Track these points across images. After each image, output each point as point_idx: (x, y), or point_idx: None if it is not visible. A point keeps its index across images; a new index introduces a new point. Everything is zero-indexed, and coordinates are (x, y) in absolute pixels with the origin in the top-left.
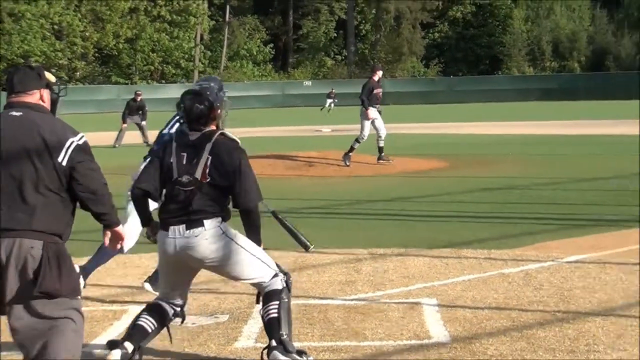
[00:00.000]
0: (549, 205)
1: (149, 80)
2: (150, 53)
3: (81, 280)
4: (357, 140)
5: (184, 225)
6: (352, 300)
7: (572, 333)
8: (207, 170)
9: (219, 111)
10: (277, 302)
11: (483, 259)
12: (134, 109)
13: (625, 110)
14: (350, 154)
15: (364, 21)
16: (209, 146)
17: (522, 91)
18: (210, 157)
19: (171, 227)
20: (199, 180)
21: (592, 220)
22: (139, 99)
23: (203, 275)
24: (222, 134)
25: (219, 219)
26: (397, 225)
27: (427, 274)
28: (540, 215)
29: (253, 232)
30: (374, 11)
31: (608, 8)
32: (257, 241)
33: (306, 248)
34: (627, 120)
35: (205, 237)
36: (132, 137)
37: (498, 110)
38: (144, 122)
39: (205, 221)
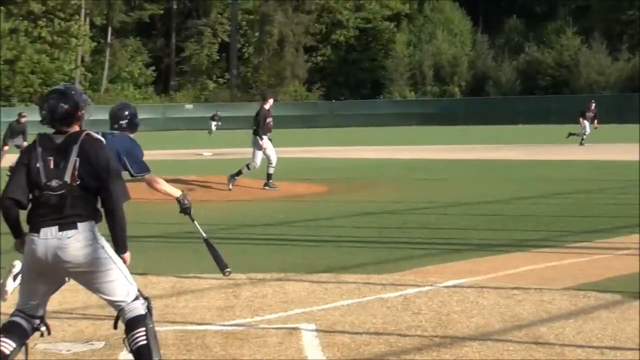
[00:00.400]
0: (428, 230)
1: (28, 103)
2: (30, 75)
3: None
4: (247, 166)
5: (56, 227)
6: (230, 325)
7: (449, 358)
8: (77, 173)
9: (82, 112)
10: (144, 329)
11: (362, 284)
12: (17, 131)
13: (505, 135)
14: (237, 177)
15: (247, 44)
16: (76, 148)
17: (403, 115)
18: (78, 159)
19: (42, 229)
20: (69, 184)
21: (470, 245)
22: (23, 120)
23: (80, 300)
24: (88, 134)
25: (92, 222)
26: (276, 250)
27: (306, 299)
28: (419, 240)
29: (118, 233)
30: (257, 34)
31: (489, 33)
32: (123, 244)
33: (223, 270)
34: (506, 145)
35: (77, 240)
36: (11, 160)
37: (379, 135)
38: (25, 143)
39: (78, 224)
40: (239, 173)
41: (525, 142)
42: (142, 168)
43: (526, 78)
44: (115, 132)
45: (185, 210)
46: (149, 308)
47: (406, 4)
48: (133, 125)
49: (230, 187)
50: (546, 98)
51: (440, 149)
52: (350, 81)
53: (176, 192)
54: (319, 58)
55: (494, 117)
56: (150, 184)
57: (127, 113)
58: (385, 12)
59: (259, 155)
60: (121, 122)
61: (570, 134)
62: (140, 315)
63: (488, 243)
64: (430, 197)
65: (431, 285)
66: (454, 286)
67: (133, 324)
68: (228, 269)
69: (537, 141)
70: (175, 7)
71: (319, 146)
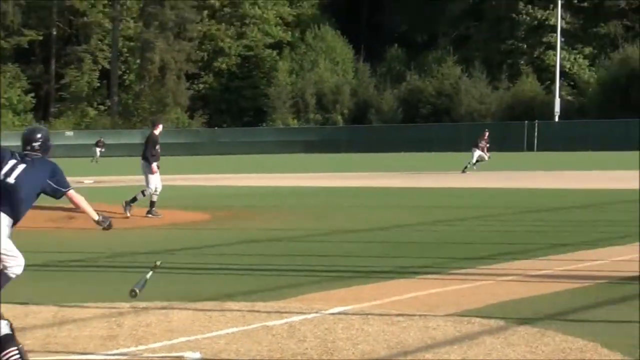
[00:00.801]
0: (312, 257)
1: None
2: None
3: None
4: (142, 193)
5: None
6: (113, 355)
7: None
8: None
9: None
10: (16, 348)
11: (247, 312)
12: None
13: (388, 163)
14: (132, 204)
15: (128, 71)
16: None
17: (286, 143)
18: None
19: None
20: None
21: (355, 272)
22: None
23: None
24: None
25: None
26: (160, 277)
27: (190, 328)
28: (304, 267)
29: None
30: (138, 61)
31: (371, 62)
32: None
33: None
34: (388, 172)
35: None
36: None
37: (262, 162)
38: None
39: None
40: (134, 200)
41: (408, 169)
42: (68, 183)
43: (408, 106)
44: (32, 154)
45: (109, 226)
46: (12, 329)
47: (288, 32)
48: (46, 148)
49: (128, 214)
50: (428, 126)
51: (323, 177)
52: (233, 109)
53: (95, 214)
54: (201, 85)
55: (376, 145)
56: (72, 200)
57: (39, 136)
58: (268, 40)
59: (153, 179)
60: (34, 144)
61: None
62: (9, 334)
63: (372, 270)
64: (314, 224)
65: (316, 312)
66: (339, 313)
67: (3, 343)
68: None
69: (420, 169)
70: (54, 33)
71: (201, 174)
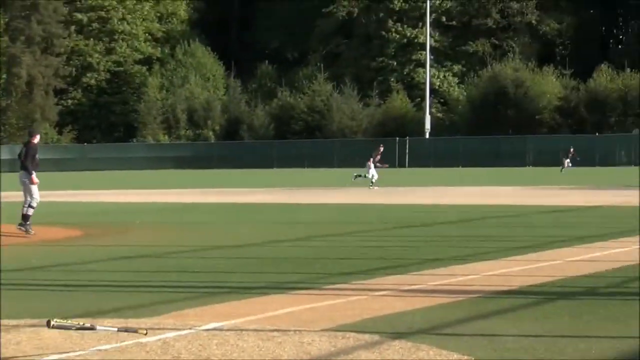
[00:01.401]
0: (186, 273)
1: None
2: None
3: None
4: (29, 207)
5: None
6: None
7: None
8: None
9: None
10: None
11: None
12: None
13: (260, 179)
14: (27, 222)
15: None
16: None
17: (157, 159)
18: None
19: None
20: None
21: (229, 288)
22: None
23: None
24: None
25: None
26: (30, 295)
27: (62, 345)
28: (178, 283)
29: None
30: (4, 76)
31: (242, 78)
32: None
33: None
34: (261, 188)
35: None
36: None
37: (133, 178)
38: None
39: None
40: (25, 217)
41: (281, 185)
42: None
43: (279, 122)
44: None
45: None
46: None
47: (158, 48)
48: None
49: (32, 231)
50: (299, 142)
51: (195, 193)
52: (103, 124)
53: None
54: (70, 101)
55: (248, 161)
56: None
57: None
58: (137, 56)
59: (35, 188)
60: None
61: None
62: None
63: (246, 286)
64: (187, 240)
65: (190, 328)
66: (214, 329)
67: None
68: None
69: (292, 184)
70: None
71: (71, 190)
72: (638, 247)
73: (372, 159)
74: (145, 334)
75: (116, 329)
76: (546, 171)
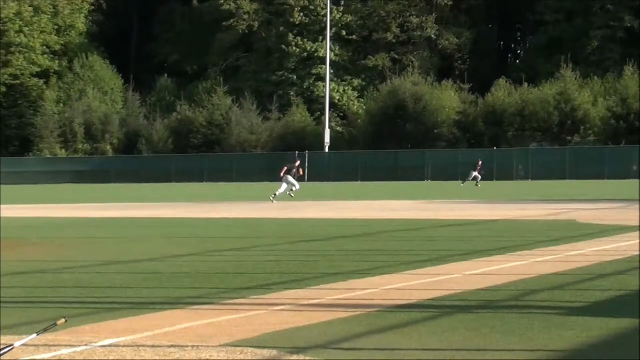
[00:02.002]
0: (82, 289)
1: None
2: None
3: None
4: None
5: None
6: None
7: None
8: None
9: None
10: None
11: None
12: None
13: (159, 193)
14: None
15: None
16: None
17: (54, 173)
18: None
19: None
20: None
21: (126, 304)
22: None
23: None
24: None
25: None
26: None
27: None
28: (72, 299)
29: None
30: None
31: (140, 92)
32: None
33: None
34: (160, 202)
35: None
36: None
37: (30, 193)
38: None
39: None
40: None
41: (179, 199)
42: None
43: (179, 136)
44: None
45: None
46: None
47: (55, 61)
48: None
49: None
50: (198, 156)
51: (93, 207)
52: None
53: None
54: None
55: (147, 176)
56: None
57: None
58: (34, 69)
59: None
60: None
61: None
62: None
63: (144, 301)
64: (84, 255)
65: (86, 345)
66: (110, 345)
67: None
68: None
69: (191, 199)
70: None
71: None
72: (535, 260)
73: (289, 171)
74: (65, 321)
75: (35, 335)
76: (445, 185)
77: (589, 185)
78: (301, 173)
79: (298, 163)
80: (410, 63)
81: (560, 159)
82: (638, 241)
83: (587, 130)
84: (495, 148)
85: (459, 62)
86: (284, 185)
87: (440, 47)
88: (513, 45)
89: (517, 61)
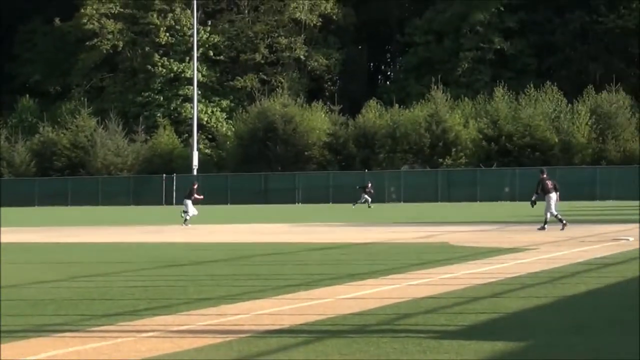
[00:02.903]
0: None
1: None
2: None
3: None
4: None
5: None
6: None
7: None
8: None
9: None
10: None
11: None
12: None
13: (22, 217)
14: None
15: None
16: None
17: None
18: None
19: None
20: None
21: None
22: None
23: None
24: None
25: None
26: None
27: None
28: None
29: None
30: None
31: (0, 113)
32: None
33: None
34: (21, 227)
35: None
36: None
37: None
38: None
39: None
40: None
41: (43, 224)
42: None
43: (41, 159)
44: None
45: None
46: None
47: None
48: None
49: None
50: (62, 179)
51: None
52: None
53: None
54: None
55: (8, 199)
56: None
57: None
58: None
59: None
60: None
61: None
62: None
63: (6, 329)
64: None
65: None
66: None
67: None
68: None
69: (55, 223)
70: None
71: None
72: (408, 283)
73: (190, 196)
74: None
75: None
76: (316, 208)
77: (461, 208)
78: (200, 197)
79: (196, 185)
80: (279, 84)
81: (432, 181)
82: (544, 257)
83: (458, 152)
84: (366, 170)
85: (329, 83)
86: (191, 207)
87: (310, 68)
88: (383, 67)
89: (388, 82)
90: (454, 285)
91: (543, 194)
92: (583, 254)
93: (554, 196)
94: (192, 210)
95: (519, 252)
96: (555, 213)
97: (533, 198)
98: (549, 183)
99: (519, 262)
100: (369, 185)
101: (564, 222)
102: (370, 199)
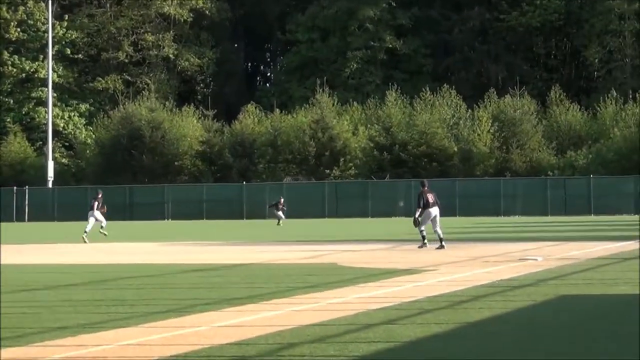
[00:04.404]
0: None
1: None
2: None
3: None
4: None
5: None
6: None
7: None
8: None
9: None
10: None
11: None
12: None
13: None
14: None
15: None
16: None
17: None
18: None
19: None
20: None
21: None
22: None
23: None
24: None
25: None
26: None
27: None
28: None
29: None
30: None
31: None
32: None
33: None
34: None
35: None
36: None
37: None
38: None
39: None
40: None
41: None
42: None
43: None
44: None
45: None
46: None
47: None
48: None
49: None
50: None
51: None
52: None
53: None
54: None
55: None
56: None
57: None
58: None
59: None
60: None
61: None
62: None
63: None
64: None
65: None
66: None
67: None
68: None
69: None
70: None
71: None
72: (293, 309)
73: (94, 207)
74: None
75: None
76: (188, 225)
77: (351, 224)
78: (104, 209)
79: (100, 195)
80: (145, 86)
81: (319, 195)
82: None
83: (347, 163)
84: (244, 183)
85: (202, 85)
86: (92, 221)
87: (180, 68)
88: (262, 67)
89: (268, 84)
90: (344, 311)
91: (424, 209)
92: (487, 276)
93: (433, 211)
94: (92, 222)
95: (416, 273)
96: (422, 229)
97: (416, 215)
98: (431, 197)
99: (416, 284)
100: (282, 200)
101: (425, 242)
102: (283, 216)
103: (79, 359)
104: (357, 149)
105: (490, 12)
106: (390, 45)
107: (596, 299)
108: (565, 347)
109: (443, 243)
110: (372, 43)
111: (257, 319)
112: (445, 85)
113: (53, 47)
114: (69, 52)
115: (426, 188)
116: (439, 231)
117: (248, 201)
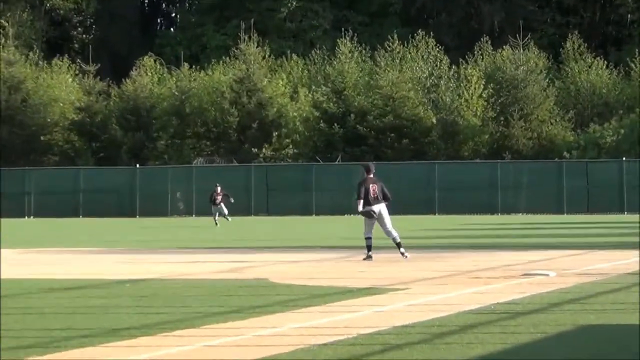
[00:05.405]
0: None
1: None
2: None
3: None
4: None
5: None
6: None
7: None
8: None
9: None
10: None
11: None
12: None
13: None
14: None
15: None
16: None
17: None
18: None
19: None
20: None
21: None
22: None
23: None
24: None
25: None
26: None
27: None
28: None
29: None
30: None
31: None
32: None
33: None
34: None
35: None
36: None
37: None
38: None
39: None
40: None
41: None
42: None
43: None
44: None
45: None
46: None
47: None
48: None
49: None
50: None
51: None
52: None
53: None
54: None
55: None
56: None
57: None
58: None
59: None
60: None
61: None
62: None
63: None
64: None
65: None
66: None
67: None
68: None
69: None
70: None
71: None
72: (205, 344)
73: None
74: None
75: None
76: (57, 224)
77: (288, 224)
78: None
79: None
80: (1, 30)
81: (243, 183)
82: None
83: (282, 139)
84: (138, 166)
85: (80, 29)
86: None
87: (49, 6)
88: (164, 5)
89: (172, 29)
90: (276, 346)
91: (364, 205)
92: (478, 298)
93: (377, 209)
94: None
95: (378, 294)
96: (369, 235)
97: (360, 209)
98: (374, 188)
99: (377, 310)
100: (218, 189)
101: (370, 253)
102: (226, 210)
103: None
104: (297, 120)
105: None
106: None
107: (629, 331)
108: None
109: (402, 249)
110: None
111: (154, 357)
112: (420, 31)
113: None
114: None
115: (371, 176)
116: (393, 233)
117: (143, 192)
